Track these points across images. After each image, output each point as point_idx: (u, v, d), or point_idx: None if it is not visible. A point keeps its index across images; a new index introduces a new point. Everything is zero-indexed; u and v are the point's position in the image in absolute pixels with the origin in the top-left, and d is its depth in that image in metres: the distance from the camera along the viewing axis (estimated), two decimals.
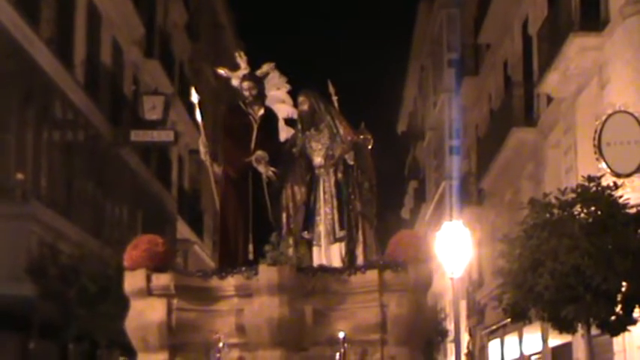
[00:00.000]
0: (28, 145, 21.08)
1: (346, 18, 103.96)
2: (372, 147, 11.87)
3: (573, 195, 12.86)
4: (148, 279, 10.10)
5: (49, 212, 19.76)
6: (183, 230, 34.62)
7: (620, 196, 12.97)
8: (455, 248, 20.84)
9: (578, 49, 20.06)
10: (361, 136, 11.66)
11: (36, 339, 20.15)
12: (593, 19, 19.99)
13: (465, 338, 30.31)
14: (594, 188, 12.80)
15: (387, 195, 51.86)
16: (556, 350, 23.48)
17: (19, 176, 20.20)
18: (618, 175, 15.68)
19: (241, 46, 38.74)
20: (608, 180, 13.75)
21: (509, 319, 23.60)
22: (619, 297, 12.30)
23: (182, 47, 35.72)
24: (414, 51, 53.41)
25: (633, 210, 13.09)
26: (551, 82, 22.02)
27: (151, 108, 27.85)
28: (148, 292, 10.13)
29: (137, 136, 27.47)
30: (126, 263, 10.33)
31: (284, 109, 11.99)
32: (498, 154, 28.04)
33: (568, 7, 20.89)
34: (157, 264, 10.20)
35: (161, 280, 10.13)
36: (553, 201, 12.97)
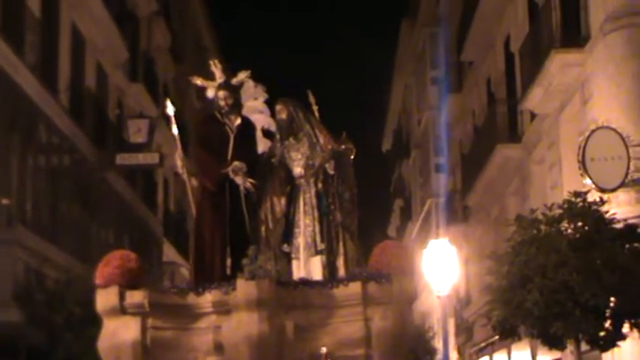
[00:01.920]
0: (13, 170, 21.06)
1: (328, 36, 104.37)
2: (355, 158, 11.56)
3: (560, 211, 12.93)
4: (121, 296, 9.77)
5: (35, 237, 19.71)
6: (169, 252, 34.67)
7: (607, 212, 13.05)
8: (442, 266, 20.89)
9: (560, 65, 20.07)
10: (342, 146, 11.33)
11: None
12: (574, 36, 20.07)
13: (453, 356, 30.28)
14: (581, 204, 12.86)
15: (373, 213, 52.01)
16: None
17: (4, 201, 20.12)
18: (603, 191, 15.66)
19: (226, 65, 38.74)
20: (593, 195, 13.83)
21: (497, 337, 23.66)
22: (608, 312, 12.32)
23: (166, 70, 35.82)
24: (397, 69, 53.47)
25: (620, 225, 13.13)
26: (534, 99, 22.02)
27: (136, 131, 28.03)
28: (122, 310, 9.81)
29: (122, 159, 27.56)
30: (97, 281, 9.99)
31: (262, 120, 11.74)
32: (483, 170, 28.06)
33: (549, 24, 20.94)
34: (130, 281, 9.88)
35: (135, 297, 9.80)
36: (540, 217, 13.01)
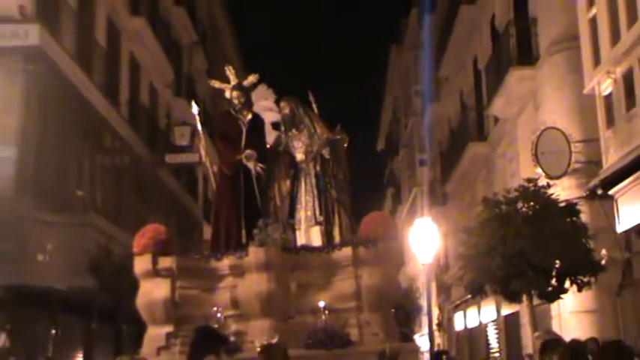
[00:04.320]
0: (85, 168, 21.17)
1: (335, 60, 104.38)
2: (350, 149, 11.47)
3: (516, 193, 12.92)
4: (154, 262, 9.68)
5: (103, 221, 19.78)
6: (208, 233, 34.45)
7: (553, 194, 13.08)
8: (425, 240, 20.82)
9: (516, 79, 20.16)
10: (337, 136, 11.22)
11: (96, 322, 20.36)
12: (527, 56, 20.08)
13: (435, 312, 30.34)
14: (533, 188, 12.86)
15: (370, 199, 52.11)
16: (507, 318, 23.29)
17: (80, 193, 20.27)
18: (551, 177, 15.76)
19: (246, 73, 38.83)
20: (543, 181, 13.86)
21: (469, 295, 23.81)
22: (554, 272, 12.37)
23: (204, 87, 35.80)
24: (388, 84, 52.96)
25: (563, 204, 13.28)
26: (497, 106, 22.07)
27: (181, 136, 27.73)
28: (155, 273, 9.71)
29: (170, 158, 27.54)
30: (135, 249, 9.89)
31: (271, 116, 11.55)
32: (458, 164, 27.93)
33: (508, 47, 20.99)
34: (162, 249, 9.76)
35: (165, 262, 9.71)
36: (501, 199, 12.98)
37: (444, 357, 6.68)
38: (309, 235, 10.83)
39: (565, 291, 12.45)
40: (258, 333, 8.88)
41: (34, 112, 17.57)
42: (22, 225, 16.62)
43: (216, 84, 11.34)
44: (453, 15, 28.08)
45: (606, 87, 15.57)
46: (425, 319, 26.35)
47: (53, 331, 18.23)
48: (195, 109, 11.28)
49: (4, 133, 17.06)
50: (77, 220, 18.47)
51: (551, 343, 7.11)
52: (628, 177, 14.51)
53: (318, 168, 11.01)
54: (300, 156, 11.11)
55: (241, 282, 9.49)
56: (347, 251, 9.67)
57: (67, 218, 18.08)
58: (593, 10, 15.77)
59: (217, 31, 39.99)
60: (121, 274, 17.67)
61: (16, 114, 17.22)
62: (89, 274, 17.62)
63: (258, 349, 6.48)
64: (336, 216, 10.82)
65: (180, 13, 31.09)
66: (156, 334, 9.47)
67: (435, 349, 30.75)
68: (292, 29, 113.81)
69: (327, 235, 10.74)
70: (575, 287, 12.47)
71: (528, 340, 17.37)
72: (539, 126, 17.84)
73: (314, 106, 11.41)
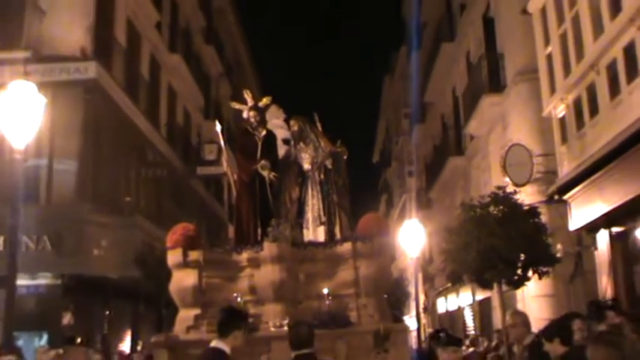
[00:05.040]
0: (132, 178, 21.32)
1: (338, 92, 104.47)
2: (348, 160, 11.21)
3: (489, 199, 12.69)
4: (184, 255, 9.46)
5: (147, 222, 19.74)
6: (232, 232, 34.12)
7: (518, 199, 12.90)
8: (413, 238, 20.68)
9: (488, 104, 20.19)
10: (339, 149, 11.03)
11: (142, 306, 20.62)
12: (497, 85, 20.10)
13: (421, 297, 30.32)
14: (502, 194, 12.65)
15: (366, 204, 51.85)
16: (481, 302, 23.33)
17: (127, 199, 20.39)
18: (517, 185, 15.65)
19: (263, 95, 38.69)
20: (510, 188, 13.84)
21: (450, 283, 23.91)
22: (519, 264, 12.13)
23: (229, 111, 35.69)
24: (382, 108, 52.55)
25: (527, 207, 13.33)
26: (472, 126, 22.11)
27: (210, 152, 27.31)
28: (185, 264, 9.48)
29: (201, 170, 27.39)
30: (168, 244, 9.66)
31: (282, 132, 11.34)
32: (440, 174, 27.91)
33: (480, 78, 21.02)
34: (190, 244, 9.54)
35: (193, 255, 9.49)
36: (476, 203, 12.77)
37: (442, 334, 6.54)
38: (316, 233, 10.71)
39: (528, 279, 12.30)
40: (272, 315, 8.90)
41: (92, 133, 17.71)
42: (81, 226, 16.76)
43: (236, 105, 11.16)
44: (435, 51, 28.09)
45: (560, 111, 15.59)
46: (413, 304, 26.22)
47: (107, 313, 18.40)
48: (218, 127, 11.15)
49: (68, 151, 17.19)
50: (126, 222, 18.57)
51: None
52: (579, 184, 14.55)
53: (322, 176, 10.83)
54: (307, 166, 10.95)
55: (257, 272, 9.33)
56: (347, 246, 9.56)
57: (118, 220, 18.20)
58: (549, 48, 15.82)
59: (240, 64, 40.03)
60: (161, 265, 17.49)
61: (77, 135, 17.37)
62: (136, 266, 17.70)
63: (286, 327, 6.25)
64: (337, 217, 10.67)
65: (210, 50, 31.20)
66: (186, 315, 9.34)
67: (434, 328, 30.84)
68: (303, 63, 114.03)
69: (330, 233, 10.59)
70: (536, 276, 12.31)
71: (498, 320, 17.39)
72: (506, 143, 17.84)
73: (318, 124, 11.24)
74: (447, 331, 7.67)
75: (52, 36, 17.45)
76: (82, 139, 17.42)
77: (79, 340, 7.71)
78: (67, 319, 16.02)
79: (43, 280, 16.44)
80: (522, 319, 7.74)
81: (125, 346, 19.59)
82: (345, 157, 11.12)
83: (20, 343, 12.61)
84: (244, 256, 9.50)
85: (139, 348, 18.78)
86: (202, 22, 30.31)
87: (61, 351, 8.00)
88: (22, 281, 11.31)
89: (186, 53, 27.01)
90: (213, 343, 5.31)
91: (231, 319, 5.48)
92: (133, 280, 17.86)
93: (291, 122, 11.12)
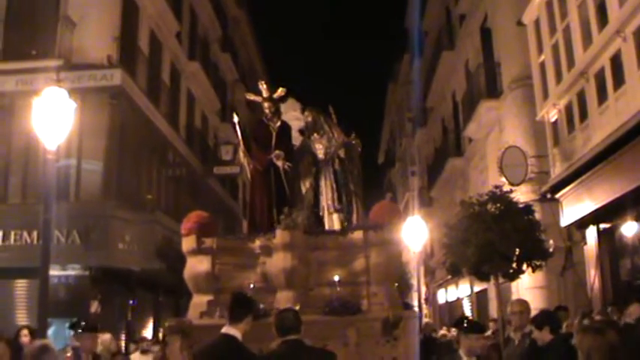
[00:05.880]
0: (154, 177, 21.34)
1: (346, 99, 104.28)
2: (362, 152, 10.70)
3: (486, 197, 12.52)
4: (198, 242, 8.97)
5: (167, 218, 19.67)
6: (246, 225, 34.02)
7: (514, 197, 13.06)
8: (416, 233, 20.63)
9: (485, 109, 20.25)
10: (353, 141, 10.53)
11: (162, 296, 20.69)
12: (494, 91, 20.18)
13: (423, 289, 30.32)
14: (499, 193, 12.49)
15: (373, 202, 51.85)
16: (478, 294, 23.41)
17: (149, 196, 20.44)
18: (512, 185, 15.61)
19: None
20: (506, 187, 13.81)
21: (450, 276, 23.82)
22: (514, 258, 11.95)
23: (244, 114, 35.66)
24: (386, 112, 52.40)
25: (522, 205, 13.32)
26: (471, 130, 22.15)
27: (226, 153, 27.27)
28: (198, 251, 8.98)
29: (218, 170, 27.32)
30: (182, 231, 9.17)
31: (298, 124, 10.84)
32: (440, 174, 27.93)
33: (478, 84, 21.11)
34: (204, 231, 9.07)
35: (207, 242, 9.01)
36: (474, 201, 12.59)
37: (465, 320, 6.19)
38: (331, 220, 10.25)
39: (523, 272, 12.18)
40: (284, 302, 8.45)
41: (117, 135, 17.75)
42: (107, 221, 16.78)
43: (251, 96, 10.61)
44: (436, 59, 28.08)
45: (553, 115, 15.71)
46: (415, 295, 26.32)
47: (131, 302, 18.44)
48: (235, 118, 10.48)
49: (94, 151, 17.23)
50: (147, 218, 18.57)
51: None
52: (569, 184, 14.67)
53: (336, 166, 10.32)
54: (320, 156, 10.45)
55: (270, 259, 8.89)
56: (358, 234, 9.07)
57: (140, 216, 18.22)
58: (542, 57, 15.91)
59: (254, 71, 40.09)
60: (180, 258, 17.40)
61: (103, 137, 17.40)
62: (157, 259, 17.68)
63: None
64: (354, 205, 10.24)
65: (226, 57, 31.20)
66: (199, 301, 8.89)
67: (433, 317, 30.76)
68: (313, 69, 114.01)
69: (347, 220, 10.07)
70: (530, 269, 12.19)
71: (494, 310, 17.45)
72: (503, 145, 17.89)
73: (333, 116, 10.75)
74: (468, 318, 7.38)
75: (81, 46, 17.57)
76: (107, 141, 17.47)
77: (92, 325, 7.68)
78: (94, 307, 16.09)
79: (73, 271, 16.55)
80: (527, 308, 7.71)
81: (147, 332, 19.66)
82: (359, 150, 10.67)
83: (52, 328, 12.72)
84: (257, 243, 9.10)
85: (160, 334, 18.90)
86: (219, 31, 30.34)
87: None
88: (53, 272, 11.31)
89: (204, 61, 27.05)
90: (225, 330, 5.13)
91: (242, 305, 5.27)
92: (155, 271, 17.83)
93: (305, 113, 10.68)
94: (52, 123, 9.53)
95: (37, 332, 8.75)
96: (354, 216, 10.07)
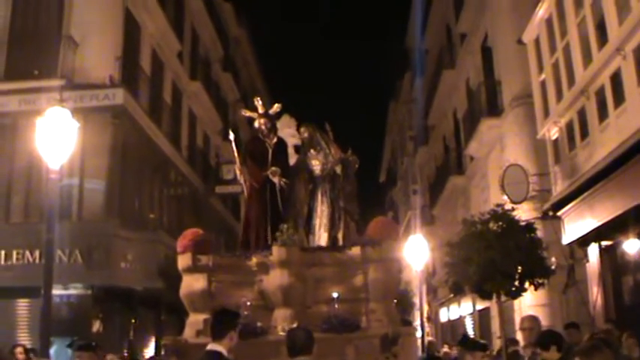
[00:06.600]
0: (156, 197, 21.31)
1: (346, 111, 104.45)
2: (359, 169, 10.56)
3: (488, 215, 12.09)
4: (194, 259, 8.88)
5: (169, 237, 19.01)
6: None
7: (515, 215, 13.06)
8: (418, 252, 20.62)
9: (486, 127, 20.26)
10: (350, 158, 10.40)
11: (164, 314, 20.50)
12: (495, 109, 20.19)
13: (425, 307, 30.18)
14: (500, 211, 12.13)
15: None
16: (481, 312, 23.35)
17: (151, 216, 20.40)
18: (514, 202, 15.35)
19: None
20: (508, 206, 13.82)
21: (452, 294, 23.75)
22: (516, 276, 11.68)
23: (245, 133, 35.53)
24: (388, 130, 52.42)
25: (523, 223, 13.28)
26: (472, 148, 22.13)
27: (227, 172, 26.85)
28: (194, 269, 8.89)
29: (219, 189, 27.28)
30: (178, 249, 9.10)
31: (294, 140, 10.69)
32: (442, 192, 27.90)
33: (479, 102, 21.16)
34: (200, 248, 8.97)
35: (203, 260, 8.92)
36: (476, 219, 12.24)
37: (469, 338, 6.05)
38: (322, 238, 10.10)
39: (525, 290, 11.89)
40: (281, 319, 8.47)
41: (119, 155, 17.77)
42: (109, 240, 16.76)
43: (247, 113, 10.49)
44: (437, 78, 28.12)
45: (554, 133, 15.72)
46: (417, 313, 26.17)
47: (133, 321, 18.35)
48: (232, 135, 10.47)
49: (97, 171, 17.22)
50: (150, 237, 18.53)
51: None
52: (571, 202, 14.63)
53: (331, 182, 10.21)
54: (317, 172, 10.33)
55: (266, 276, 8.75)
56: (356, 250, 8.97)
57: (143, 235, 18.20)
58: (543, 75, 15.94)
59: (255, 90, 40.19)
60: (182, 277, 17.68)
61: (105, 156, 17.41)
62: (159, 278, 17.48)
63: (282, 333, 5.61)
64: (342, 222, 10.03)
65: (227, 77, 31.32)
66: (195, 319, 8.78)
67: (434, 336, 30.57)
68: (313, 87, 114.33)
69: (332, 238, 9.94)
70: (532, 287, 11.87)
71: (496, 328, 17.35)
72: (504, 163, 17.91)
73: (329, 132, 10.64)
74: (469, 336, 7.32)
75: (83, 65, 17.64)
76: (110, 160, 17.50)
77: (87, 345, 7.68)
78: (96, 326, 16.08)
79: (75, 290, 16.51)
80: (537, 324, 7.69)
81: (149, 351, 19.56)
82: (356, 166, 10.57)
83: (54, 347, 12.69)
84: (253, 260, 8.99)
85: (162, 353, 18.77)
86: (220, 51, 30.49)
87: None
88: (55, 291, 11.31)
89: (205, 80, 27.12)
90: (209, 347, 5.02)
91: (225, 321, 5.17)
92: (157, 290, 17.72)
93: (302, 129, 10.54)
94: (55, 142, 9.58)
95: (40, 351, 8.74)
96: (340, 234, 9.92)
